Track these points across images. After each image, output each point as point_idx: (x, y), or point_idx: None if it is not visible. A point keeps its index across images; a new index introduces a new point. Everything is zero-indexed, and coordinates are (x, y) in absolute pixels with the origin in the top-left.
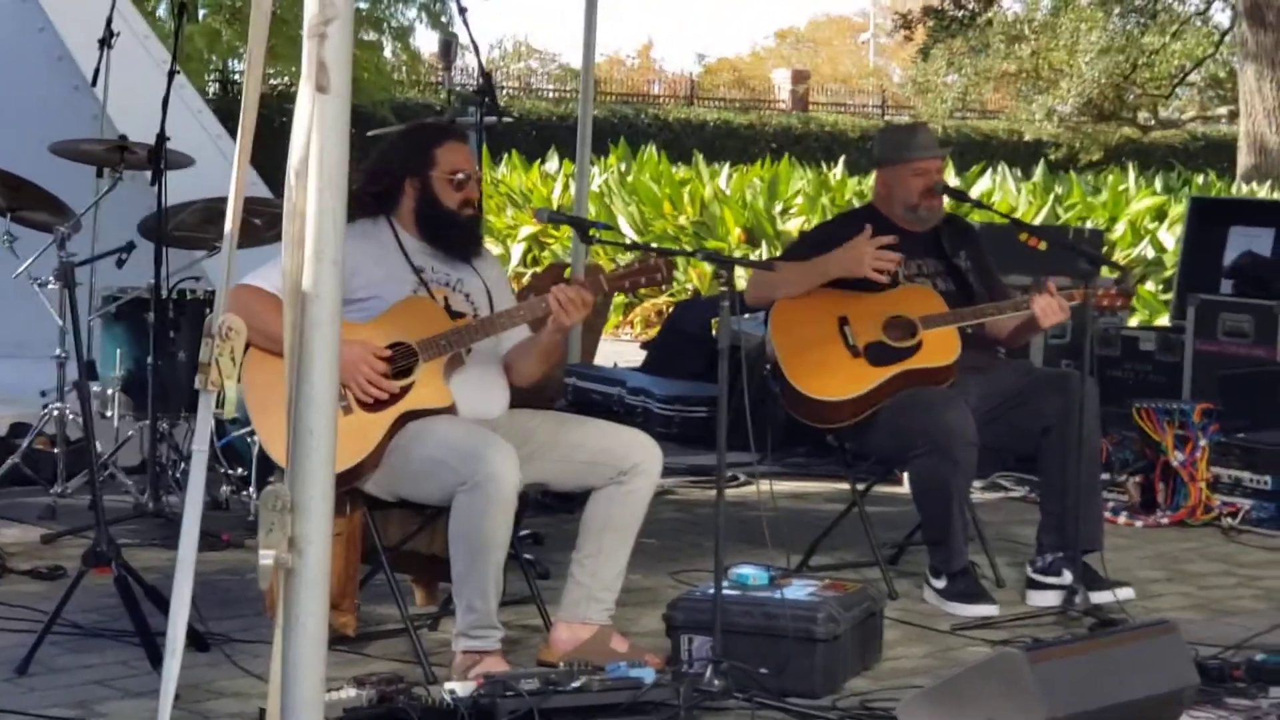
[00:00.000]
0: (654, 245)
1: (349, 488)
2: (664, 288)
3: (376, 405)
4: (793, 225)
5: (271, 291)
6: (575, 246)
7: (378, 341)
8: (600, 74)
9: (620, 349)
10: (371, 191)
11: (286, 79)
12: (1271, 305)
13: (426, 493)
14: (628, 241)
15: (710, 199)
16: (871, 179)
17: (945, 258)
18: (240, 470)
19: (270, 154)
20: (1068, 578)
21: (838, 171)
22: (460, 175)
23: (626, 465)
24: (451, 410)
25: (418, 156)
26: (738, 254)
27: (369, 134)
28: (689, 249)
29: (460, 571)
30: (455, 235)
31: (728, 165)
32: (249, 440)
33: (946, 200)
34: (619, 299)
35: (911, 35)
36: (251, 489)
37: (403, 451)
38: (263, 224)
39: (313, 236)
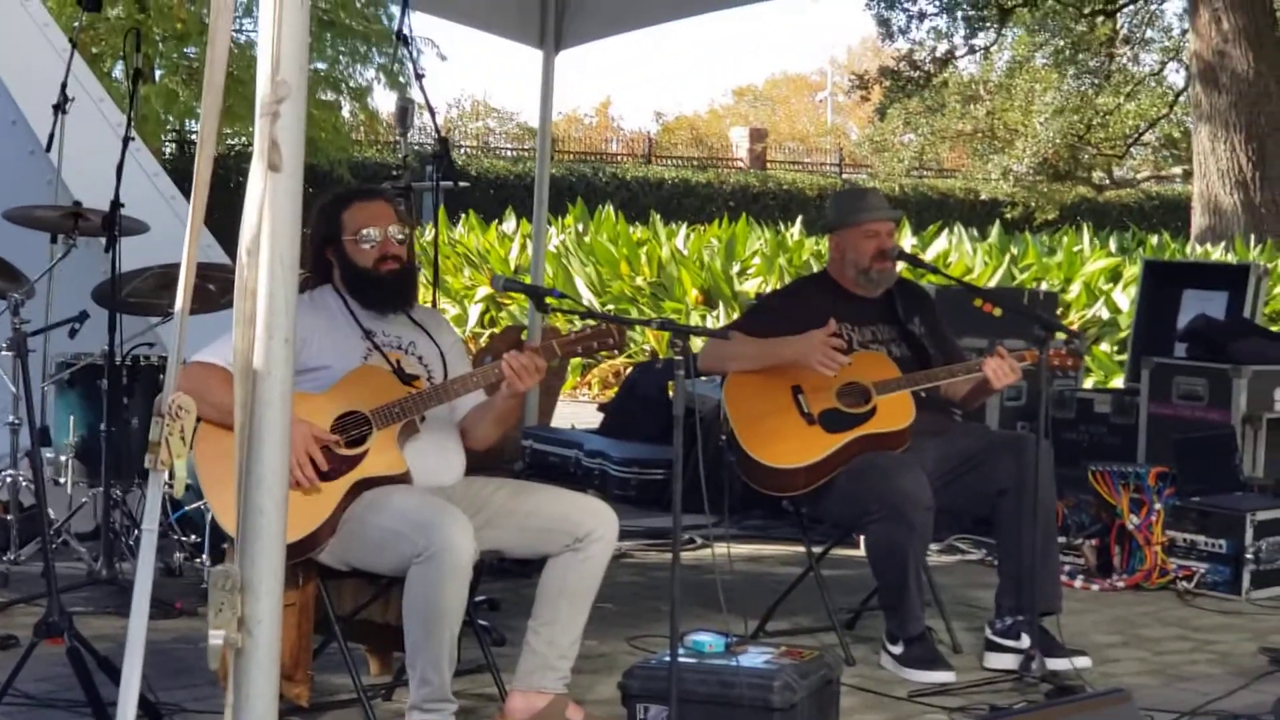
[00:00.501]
0: (610, 310)
1: (302, 558)
2: (616, 353)
3: (330, 475)
4: (750, 286)
5: (224, 366)
6: (531, 312)
7: (329, 411)
8: (558, 132)
9: (578, 410)
10: (310, 263)
11: (244, 139)
12: (1225, 369)
13: (381, 563)
14: (583, 309)
15: (667, 260)
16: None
17: (899, 323)
18: (194, 537)
19: (227, 215)
20: (1025, 641)
21: (795, 231)
22: (367, 233)
23: (582, 533)
24: (406, 478)
25: (328, 225)
26: (694, 315)
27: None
28: (645, 314)
29: (414, 642)
30: (378, 293)
31: (685, 225)
32: (203, 507)
33: (901, 265)
34: (575, 360)
35: (868, 95)
36: (205, 556)
37: (357, 521)
38: (217, 289)
39: (264, 314)
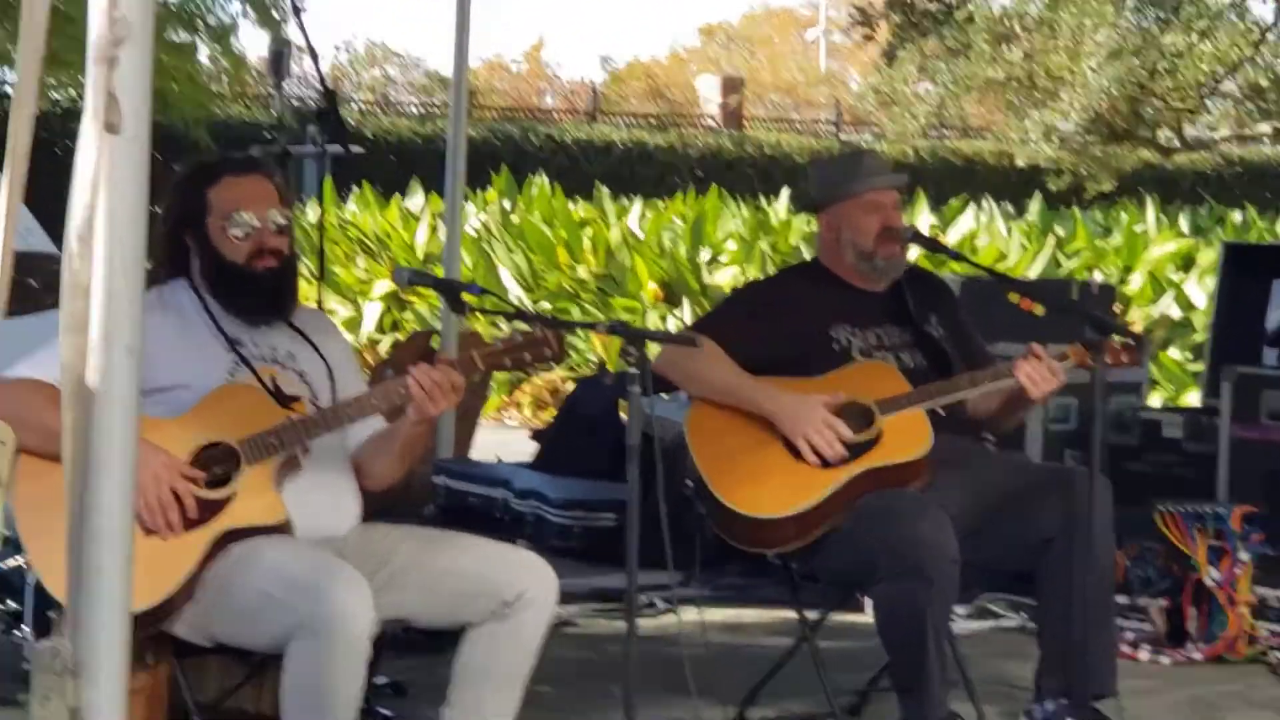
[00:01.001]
0: (546, 311)
1: (153, 631)
2: (553, 365)
3: (189, 524)
4: (723, 278)
5: (52, 383)
6: (445, 312)
7: (186, 441)
8: (477, 82)
9: (504, 439)
10: (161, 250)
11: (74, 92)
12: None
13: (253, 636)
14: (511, 308)
15: (618, 245)
16: None
17: (911, 324)
18: (11, 603)
19: (52, 189)
20: None
21: (780, 207)
22: (239, 217)
23: (510, 595)
24: (285, 528)
25: (188, 203)
26: (653, 315)
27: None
28: (590, 315)
29: None
30: (250, 297)
31: (640, 200)
32: (24, 565)
33: (915, 250)
34: (502, 375)
35: (873, 34)
36: (26, 627)
37: (222, 583)
38: (41, 285)
39: (100, 318)
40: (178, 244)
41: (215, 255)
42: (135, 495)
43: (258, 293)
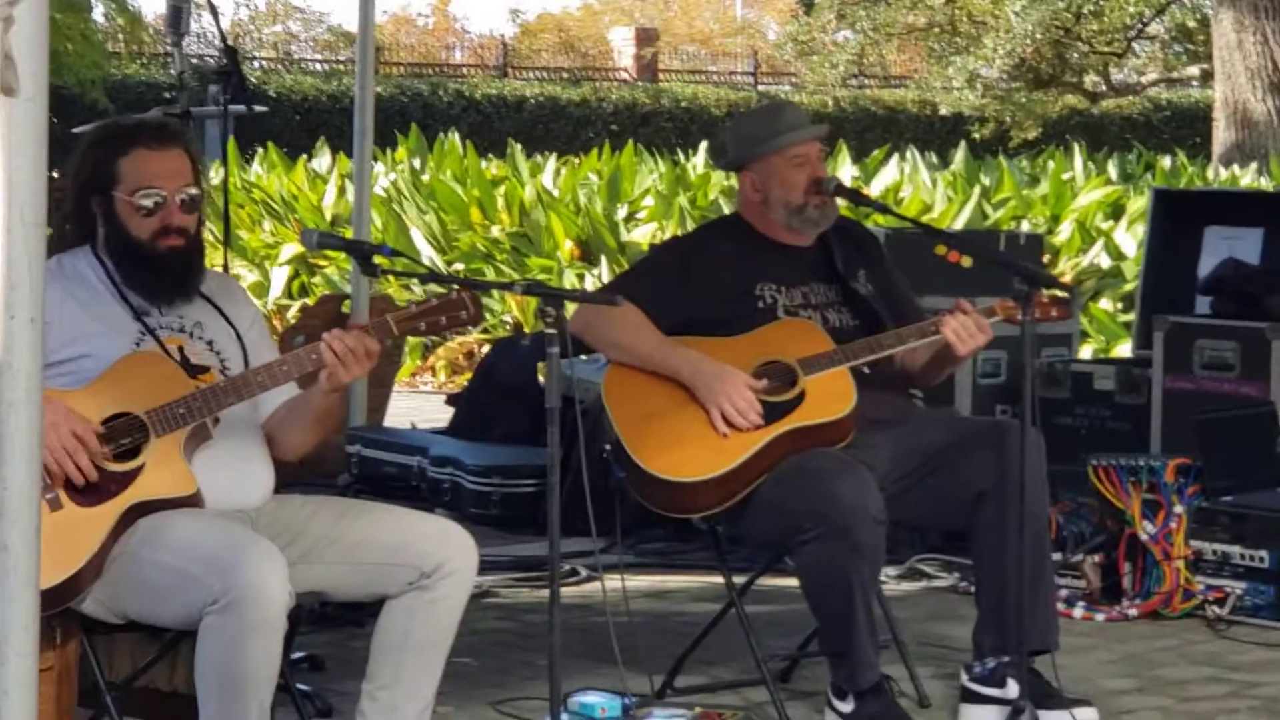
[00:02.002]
0: (459, 272)
1: (61, 608)
2: (469, 328)
3: (95, 498)
4: (641, 234)
5: None
6: (355, 275)
7: (91, 412)
8: (384, 38)
9: (418, 405)
10: (64, 214)
11: None
12: (1262, 328)
13: (164, 612)
14: (424, 270)
15: (532, 203)
16: None
17: (839, 280)
18: None
19: None
20: (1013, 690)
21: (699, 161)
22: (150, 193)
23: (429, 565)
24: (195, 500)
25: (99, 169)
26: (569, 275)
27: (74, 130)
28: (505, 275)
29: (211, 715)
30: (150, 276)
31: (554, 157)
32: None
33: (839, 202)
34: (416, 339)
35: None
36: None
37: (131, 558)
38: None
39: (1, 288)
40: (84, 210)
41: (119, 229)
42: (40, 469)
43: (161, 273)
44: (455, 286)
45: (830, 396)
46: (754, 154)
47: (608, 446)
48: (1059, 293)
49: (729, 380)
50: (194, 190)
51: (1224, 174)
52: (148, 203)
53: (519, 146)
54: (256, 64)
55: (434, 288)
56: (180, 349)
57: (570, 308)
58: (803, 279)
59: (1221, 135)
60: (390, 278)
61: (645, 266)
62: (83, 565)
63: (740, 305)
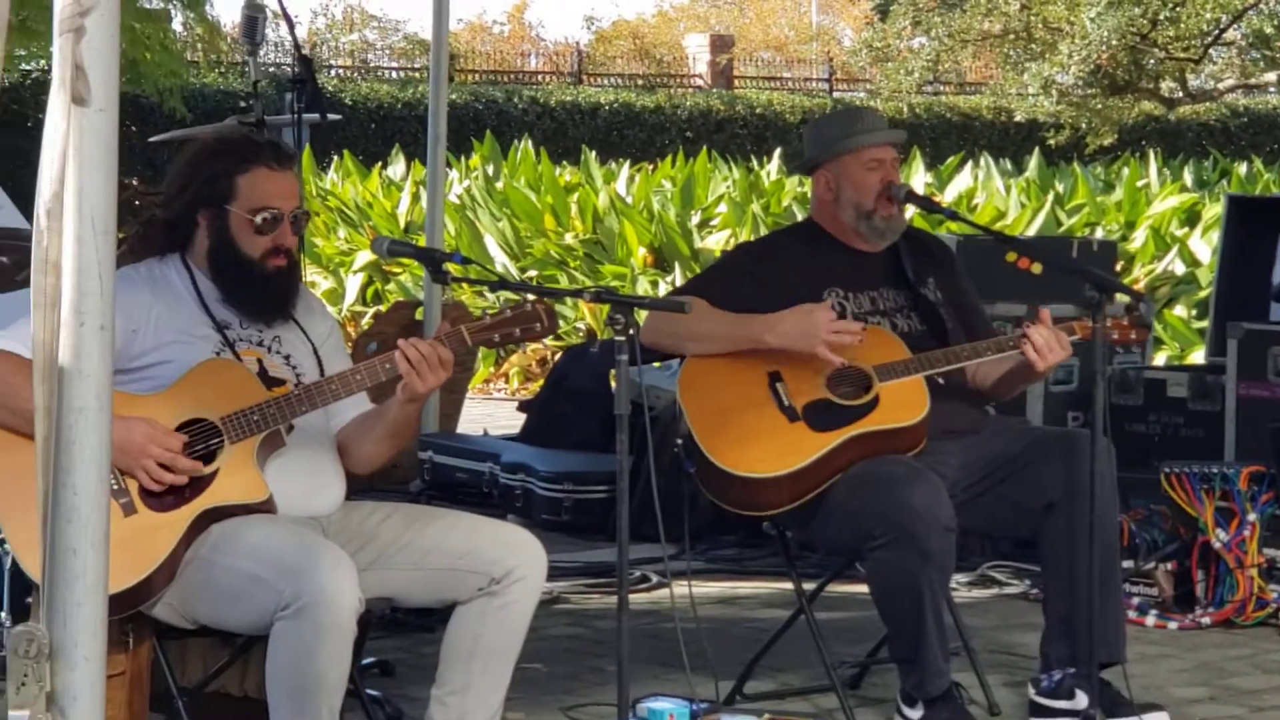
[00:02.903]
0: (532, 279)
1: (133, 612)
2: (544, 339)
3: (168, 502)
4: (714, 241)
5: (26, 356)
6: (428, 282)
7: (166, 417)
8: (459, 45)
9: (491, 411)
10: (164, 220)
11: (44, 63)
12: None
13: (236, 618)
14: (495, 277)
15: (606, 210)
16: None
17: (909, 287)
18: None
19: (22, 164)
20: (1082, 701)
21: (772, 168)
22: (267, 214)
23: (499, 571)
24: (268, 507)
25: (216, 182)
26: (643, 282)
27: (151, 139)
28: (578, 282)
29: None
30: (254, 293)
31: (628, 164)
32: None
33: (910, 209)
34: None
35: None
36: (2, 612)
37: (204, 563)
38: (12, 262)
39: (71, 294)
40: (187, 219)
41: (229, 245)
42: (109, 474)
43: (266, 291)
44: (528, 295)
45: (904, 403)
46: (830, 154)
47: (680, 440)
48: (1136, 309)
49: (815, 318)
50: (303, 211)
51: None
52: (260, 228)
53: (593, 153)
54: (333, 72)
55: (506, 295)
56: (259, 361)
57: (642, 316)
58: (872, 284)
59: None
60: (462, 285)
61: (716, 269)
62: (155, 569)
63: None
